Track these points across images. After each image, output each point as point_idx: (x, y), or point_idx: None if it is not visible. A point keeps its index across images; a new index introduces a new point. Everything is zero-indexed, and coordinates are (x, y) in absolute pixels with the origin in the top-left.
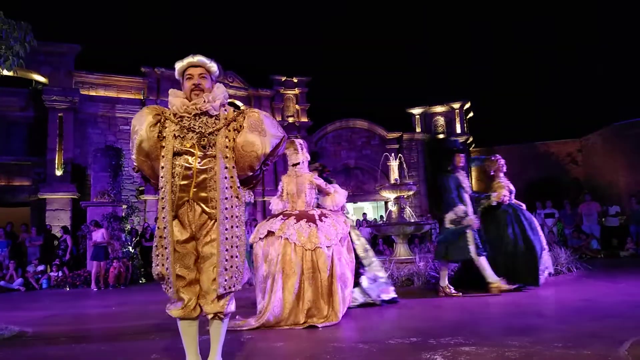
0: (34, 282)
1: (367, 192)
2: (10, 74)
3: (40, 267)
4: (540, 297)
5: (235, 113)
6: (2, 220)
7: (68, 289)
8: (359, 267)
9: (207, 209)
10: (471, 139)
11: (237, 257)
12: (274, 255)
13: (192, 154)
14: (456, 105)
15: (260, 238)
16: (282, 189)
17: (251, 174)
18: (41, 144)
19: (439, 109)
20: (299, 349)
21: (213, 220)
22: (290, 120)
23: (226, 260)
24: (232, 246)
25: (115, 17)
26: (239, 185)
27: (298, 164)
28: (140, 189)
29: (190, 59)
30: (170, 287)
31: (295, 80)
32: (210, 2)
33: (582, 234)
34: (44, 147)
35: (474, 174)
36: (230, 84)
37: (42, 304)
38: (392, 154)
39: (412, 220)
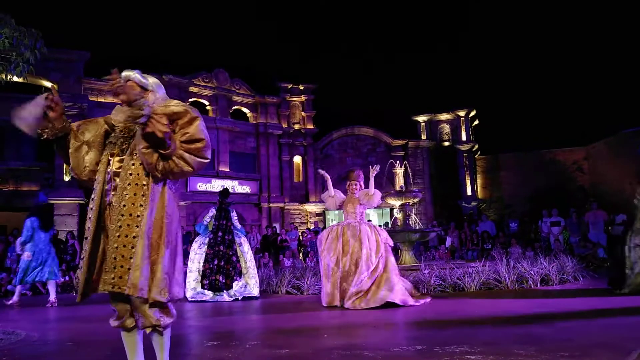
0: (41, 287)
1: None
2: (21, 80)
3: None
4: (546, 305)
5: None
6: (11, 225)
7: (75, 294)
8: (234, 274)
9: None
10: (477, 146)
11: (131, 258)
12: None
13: (112, 159)
14: (462, 113)
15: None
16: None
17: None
18: (50, 149)
19: (444, 116)
20: (303, 355)
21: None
22: (296, 127)
23: (115, 258)
24: (124, 245)
25: (124, 25)
26: (144, 183)
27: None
28: None
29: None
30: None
31: (301, 87)
32: (217, 10)
33: (588, 242)
34: (52, 152)
35: (479, 180)
36: (237, 91)
37: (49, 309)
38: (398, 161)
39: (418, 228)
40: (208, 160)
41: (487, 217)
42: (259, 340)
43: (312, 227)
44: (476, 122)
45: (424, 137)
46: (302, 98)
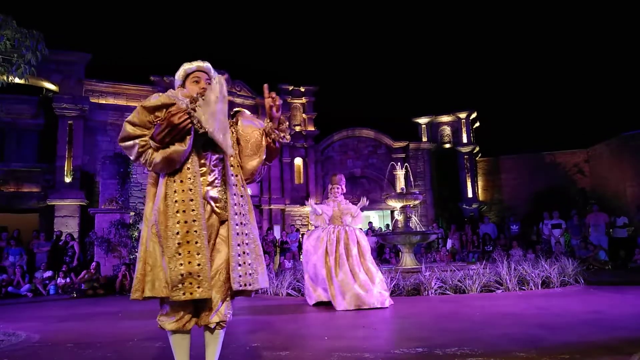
0: (42, 288)
1: (373, 201)
2: (22, 81)
3: (48, 273)
4: (547, 308)
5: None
6: (12, 226)
7: (75, 295)
8: None
9: (216, 210)
10: (477, 148)
11: (248, 254)
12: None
13: (206, 151)
14: (462, 115)
15: None
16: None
17: (256, 162)
18: (51, 151)
19: (445, 118)
20: (303, 357)
21: (221, 221)
22: (297, 129)
23: (239, 255)
24: (243, 242)
25: (125, 27)
26: (243, 184)
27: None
28: None
29: (200, 64)
30: (199, 286)
31: (302, 89)
32: (219, 11)
33: (589, 244)
34: (53, 154)
35: (480, 183)
36: (238, 93)
37: (49, 310)
38: (399, 163)
39: (418, 230)
40: None
41: (489, 219)
42: (259, 342)
43: (312, 228)
44: (477, 124)
45: (424, 139)
46: (303, 100)
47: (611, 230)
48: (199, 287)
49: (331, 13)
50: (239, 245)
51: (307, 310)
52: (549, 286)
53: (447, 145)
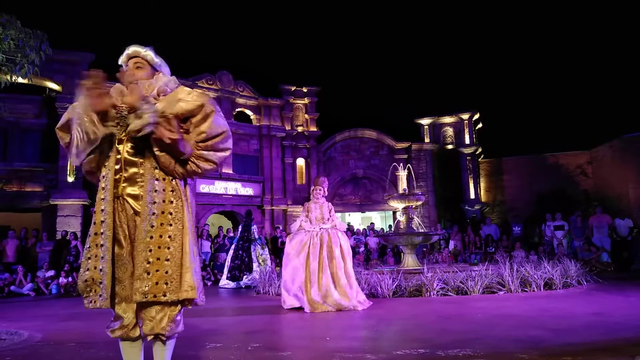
0: (44, 288)
1: (375, 201)
2: (25, 81)
3: (50, 273)
4: (549, 309)
5: None
6: (14, 225)
7: (76, 295)
8: (245, 270)
9: (136, 208)
10: (480, 149)
11: (167, 260)
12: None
13: (121, 145)
14: (465, 116)
15: None
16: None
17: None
18: (54, 150)
19: (447, 119)
20: (305, 358)
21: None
22: (300, 129)
23: (148, 262)
24: (159, 247)
25: (128, 27)
26: (172, 177)
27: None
28: None
29: (126, 52)
30: (101, 295)
31: (304, 89)
32: (221, 12)
33: (592, 246)
34: (56, 153)
35: (482, 184)
36: (241, 93)
37: (51, 310)
38: (401, 164)
39: (421, 230)
40: (230, 150)
41: (491, 220)
42: (261, 343)
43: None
44: (480, 125)
45: (427, 140)
46: (306, 100)
47: (615, 229)
48: (100, 297)
49: (334, 14)
50: (150, 250)
51: (308, 311)
52: (552, 288)
53: (450, 146)
